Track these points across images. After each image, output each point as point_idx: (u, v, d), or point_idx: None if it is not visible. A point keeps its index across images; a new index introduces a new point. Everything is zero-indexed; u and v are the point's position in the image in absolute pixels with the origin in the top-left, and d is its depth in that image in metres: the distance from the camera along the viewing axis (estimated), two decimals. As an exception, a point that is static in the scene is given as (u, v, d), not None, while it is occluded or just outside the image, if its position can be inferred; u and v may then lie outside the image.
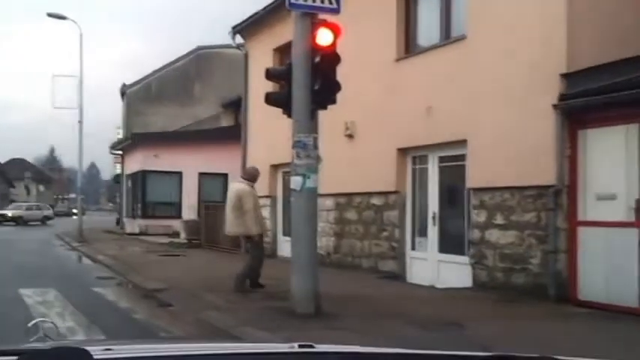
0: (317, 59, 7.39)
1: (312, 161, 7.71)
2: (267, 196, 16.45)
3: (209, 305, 8.73)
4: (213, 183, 26.48)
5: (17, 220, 43.89)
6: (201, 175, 26.60)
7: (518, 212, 9.47)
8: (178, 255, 17.27)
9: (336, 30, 7.49)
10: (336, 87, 7.51)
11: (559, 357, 1.81)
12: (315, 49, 7.46)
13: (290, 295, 7.86)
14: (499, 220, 9.75)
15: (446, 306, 8.83)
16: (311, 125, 7.70)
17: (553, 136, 8.91)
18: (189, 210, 26.05)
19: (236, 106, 30.10)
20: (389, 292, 10.14)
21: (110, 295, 10.68)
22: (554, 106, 8.87)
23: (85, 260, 17.82)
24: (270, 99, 8.07)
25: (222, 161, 25.89)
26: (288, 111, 7.91)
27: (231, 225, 10.21)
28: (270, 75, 8.16)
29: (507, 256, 9.59)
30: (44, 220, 46.84)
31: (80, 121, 25.76)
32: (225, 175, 26.58)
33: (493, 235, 9.83)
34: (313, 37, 7.46)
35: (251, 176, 10.55)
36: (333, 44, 7.45)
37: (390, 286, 10.87)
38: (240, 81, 29.73)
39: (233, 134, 26.58)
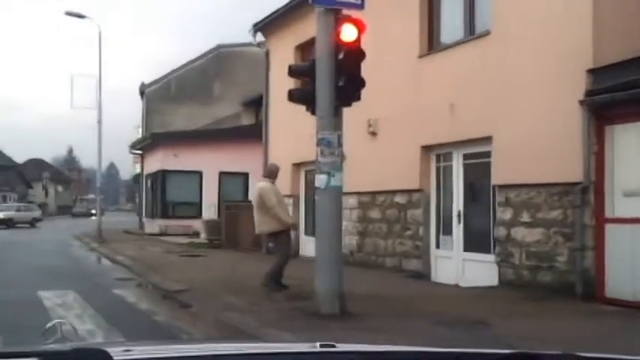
0: (341, 55, 7.58)
1: (336, 159, 7.90)
2: (289, 195, 16.67)
3: (230, 306, 8.86)
4: (234, 182, 26.83)
5: (7, 223, 41.00)
6: (222, 174, 26.91)
7: (544, 209, 9.60)
8: (199, 255, 17.55)
9: (360, 26, 7.67)
10: (361, 83, 7.69)
11: (583, 354, 1.85)
12: (339, 45, 7.64)
13: (314, 295, 8.02)
14: (525, 217, 9.88)
15: (472, 305, 8.97)
16: (335, 122, 7.89)
17: (579, 132, 9.03)
18: (210, 210, 26.41)
19: (257, 104, 30.43)
20: (413, 291, 10.30)
21: (130, 296, 10.79)
22: (581, 102, 8.99)
23: (104, 261, 18.12)
24: (294, 96, 8.27)
25: (242, 160, 26.19)
26: (311, 108, 8.11)
27: (258, 224, 10.46)
28: (292, 72, 8.36)
29: (534, 254, 9.71)
30: (33, 223, 44.49)
31: (99, 121, 26.20)
32: (245, 175, 26.93)
33: (519, 232, 9.96)
34: (337, 33, 7.65)
35: (271, 173, 10.77)
36: (358, 40, 7.63)
37: (414, 285, 11.05)
38: (260, 79, 30.13)
39: (254, 133, 26.86)
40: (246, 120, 30.84)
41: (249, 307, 8.72)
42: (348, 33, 7.62)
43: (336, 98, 7.77)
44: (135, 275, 13.75)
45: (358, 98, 7.84)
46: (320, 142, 7.94)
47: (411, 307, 8.64)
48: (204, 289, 10.58)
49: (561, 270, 9.31)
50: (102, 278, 13.62)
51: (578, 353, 1.84)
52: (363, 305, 8.27)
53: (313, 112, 8.16)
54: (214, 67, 32.45)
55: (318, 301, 7.88)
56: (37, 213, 48.87)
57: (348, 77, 7.55)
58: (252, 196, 10.88)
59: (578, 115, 9.05)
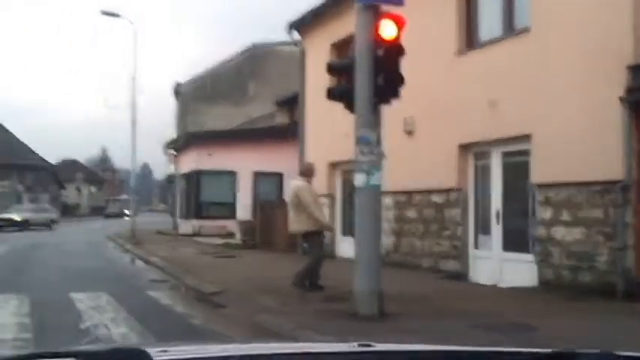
0: (380, 52, 7.72)
1: (375, 157, 8.05)
2: (326, 195, 16.86)
3: (266, 308, 8.96)
4: (269, 182, 27.08)
5: (23, 225, 39.04)
6: (256, 174, 27.19)
7: (585, 208, 9.64)
8: (233, 256, 17.76)
9: (399, 22, 7.81)
10: (400, 80, 7.83)
11: (620, 352, 1.87)
12: (378, 41, 7.79)
13: (352, 297, 8.13)
14: (565, 216, 9.92)
15: (512, 305, 9.03)
16: (374, 120, 8.05)
17: (620, 129, 9.06)
18: (244, 210, 26.69)
19: (291, 103, 30.69)
20: (452, 291, 10.39)
21: (164, 298, 10.74)
22: (621, 99, 9.03)
23: (138, 262, 18.19)
24: (332, 93, 8.45)
25: (277, 160, 26.41)
26: (350, 106, 8.28)
27: (292, 223, 10.65)
28: (331, 69, 8.54)
29: (574, 254, 9.75)
30: (50, 225, 42.49)
31: (133, 121, 26.73)
32: (280, 175, 27.16)
33: (559, 232, 10.00)
34: (376, 30, 7.79)
35: (307, 171, 10.96)
36: (397, 37, 7.78)
37: (452, 286, 11.13)
38: (295, 78, 30.35)
39: (288, 132, 27.13)
40: (280, 119, 31.13)
41: (285, 309, 8.83)
42: (387, 29, 7.76)
43: (374, 96, 7.92)
44: (169, 277, 13.80)
45: (397, 96, 7.99)
46: (359, 141, 8.09)
47: (450, 308, 8.73)
48: (239, 290, 10.68)
49: (602, 270, 9.34)
50: (136, 280, 13.64)
51: (616, 352, 1.86)
52: (402, 306, 8.38)
53: (352, 110, 8.33)
54: (249, 67, 32.83)
55: (357, 302, 7.98)
56: (54, 215, 47.42)
57: (387, 74, 7.69)
58: (289, 193, 10.99)
59: (618, 112, 9.09)
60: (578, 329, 7.13)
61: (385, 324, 7.55)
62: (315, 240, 10.56)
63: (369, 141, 8.04)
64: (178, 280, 12.97)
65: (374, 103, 7.99)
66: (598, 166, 9.41)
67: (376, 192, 8.16)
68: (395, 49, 7.76)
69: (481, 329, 7.22)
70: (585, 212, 9.63)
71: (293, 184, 10.91)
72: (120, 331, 7.77)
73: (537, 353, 1.94)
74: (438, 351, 2.08)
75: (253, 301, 9.67)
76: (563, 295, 9.34)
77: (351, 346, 1.92)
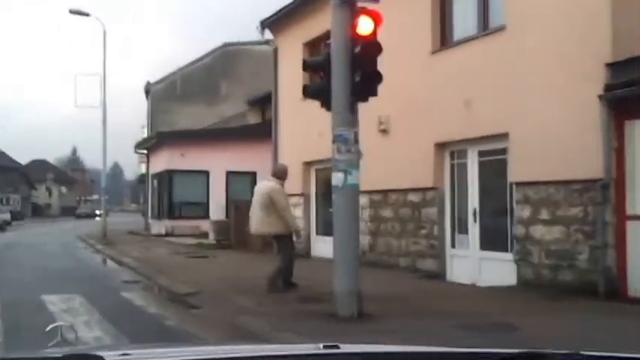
0: (357, 49, 7.44)
1: (353, 156, 7.78)
2: (300, 194, 16.58)
3: (242, 309, 8.67)
4: (242, 182, 26.67)
5: None
6: (229, 173, 26.80)
7: (564, 207, 9.47)
8: (207, 257, 17.42)
9: (376, 18, 7.53)
10: (378, 78, 7.56)
11: (588, 352, 1.84)
12: (355, 38, 7.50)
13: (332, 297, 7.85)
14: (544, 215, 9.74)
15: (492, 305, 8.83)
16: (352, 118, 7.77)
17: (599, 127, 8.90)
18: (217, 210, 26.30)
19: (263, 103, 30.35)
20: (431, 291, 10.17)
21: (137, 300, 10.44)
22: (600, 97, 8.86)
23: (110, 263, 17.80)
24: (308, 91, 8.16)
25: (250, 160, 26.07)
26: (327, 104, 7.99)
27: (259, 224, 10.27)
28: (307, 66, 8.24)
29: (553, 253, 9.58)
30: (2, 226, 41.21)
31: (104, 121, 26.18)
32: (253, 174, 26.76)
33: (538, 231, 9.82)
34: (353, 26, 7.51)
35: (280, 173, 10.68)
36: (374, 33, 7.50)
37: (431, 285, 10.92)
38: (267, 77, 30.04)
39: (261, 132, 26.77)
40: (253, 119, 30.78)
41: (262, 310, 8.57)
42: (364, 26, 7.49)
43: (352, 94, 7.65)
44: (142, 277, 13.48)
45: (375, 93, 7.72)
46: (336, 139, 7.82)
47: (429, 308, 8.50)
48: (214, 291, 10.39)
49: (582, 269, 9.17)
50: (109, 281, 13.30)
51: (583, 352, 1.84)
52: (380, 307, 8.13)
53: (328, 108, 8.05)
54: (220, 66, 32.36)
55: (336, 303, 7.73)
56: (6, 216, 46.27)
57: (364, 71, 7.42)
58: (257, 194, 10.43)
59: (598, 110, 8.93)
60: (560, 329, 6.94)
61: (364, 325, 7.31)
62: (286, 242, 10.32)
63: (347, 139, 7.76)
64: (151, 281, 12.66)
65: (351, 102, 7.72)
66: (577, 164, 9.24)
67: (354, 191, 7.88)
68: (372, 46, 7.48)
69: (461, 329, 7.00)
70: (564, 211, 9.46)
71: (265, 185, 10.55)
72: (93, 335, 7.46)
73: (507, 354, 1.91)
74: (405, 352, 2.04)
75: (228, 301, 9.41)
76: (543, 294, 9.15)
77: (317, 348, 1.88)
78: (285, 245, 10.29)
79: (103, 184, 27.76)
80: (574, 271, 9.29)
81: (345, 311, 7.61)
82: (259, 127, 28.39)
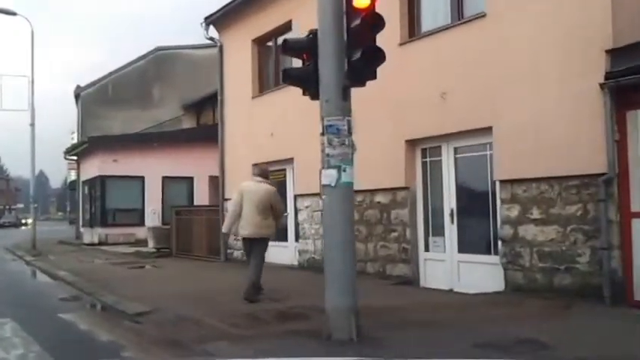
0: (356, 23, 6.01)
1: (347, 150, 6.34)
2: (249, 198, 14.99)
3: (212, 332, 7.01)
4: (178, 187, 24.86)
5: None
6: (165, 179, 24.86)
7: (558, 205, 8.31)
8: (150, 266, 15.55)
9: (375, -13, 6.12)
10: (381, 56, 6.14)
11: None
12: (350, 11, 6.07)
13: (325, 317, 6.33)
14: (536, 214, 8.57)
15: (499, 316, 7.49)
16: (344, 106, 6.34)
17: (599, 118, 7.78)
18: (153, 216, 24.34)
19: (198, 107, 28.54)
20: (416, 300, 8.80)
21: (81, 322, 8.39)
22: (602, 85, 7.75)
23: (44, 277, 15.09)
24: (290, 76, 6.63)
25: (186, 164, 24.34)
26: (312, 90, 6.53)
27: (256, 227, 9.32)
28: (288, 47, 6.69)
29: (548, 255, 8.41)
30: None
31: (32, 124, 23.75)
32: (190, 179, 24.98)
33: (529, 231, 8.64)
34: (348, -2, 6.08)
35: (267, 174, 9.94)
36: (373, 4, 6.09)
37: (411, 293, 9.57)
38: (202, 81, 28.25)
39: (198, 136, 25.02)
40: (187, 123, 28.90)
41: (238, 332, 6.93)
42: (361, -3, 6.06)
43: (346, 77, 6.22)
44: (82, 294, 11.27)
45: (374, 76, 6.29)
46: (327, 130, 6.35)
47: (431, 321, 7.13)
48: (172, 308, 8.58)
49: (583, 272, 8.02)
50: (44, 299, 11.03)
51: None
52: (375, 323, 6.72)
53: (313, 96, 6.59)
54: (153, 70, 30.20)
55: (330, 324, 6.22)
56: None
57: (365, 50, 5.97)
58: (254, 195, 9.40)
59: (597, 100, 7.81)
60: (600, 346, 5.79)
61: (368, 350, 5.83)
62: (266, 245, 9.70)
63: (339, 130, 6.31)
64: (93, 298, 10.58)
65: (344, 86, 6.28)
66: (573, 159, 8.11)
67: (349, 191, 6.42)
68: (374, 18, 6.04)
69: (484, 349, 5.67)
70: (559, 209, 8.30)
71: (263, 187, 9.47)
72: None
73: None
74: None
75: (194, 322, 7.63)
76: (544, 301, 7.93)
77: None
78: (265, 248, 9.66)
79: (31, 191, 25.18)
80: (573, 274, 8.13)
81: (341, 333, 6.12)
82: (196, 131, 26.60)
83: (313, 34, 6.55)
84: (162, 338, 7.20)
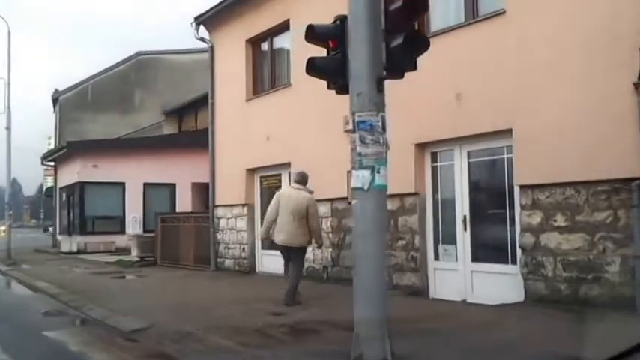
0: (397, 5, 5.34)
1: (381, 149, 5.69)
2: (242, 205, 14.24)
3: (221, 352, 6.25)
4: (160, 194, 23.96)
5: None
6: (147, 185, 23.95)
7: (585, 211, 7.75)
8: (136, 276, 14.65)
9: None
10: (425, 43, 5.48)
11: None
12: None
13: (355, 337, 5.52)
14: (560, 221, 8.00)
15: (535, 330, 6.76)
16: (379, 100, 5.70)
17: (632, 119, 7.26)
18: (134, 224, 23.41)
19: (180, 113, 27.69)
20: (440, 313, 8.11)
21: (72, 342, 7.34)
22: (636, 85, 7.23)
23: (22, 289, 13.82)
24: (315, 66, 5.90)
25: (168, 171, 23.53)
26: (339, 83, 5.87)
27: (292, 236, 9.22)
28: (314, 34, 5.98)
29: (573, 264, 7.84)
30: None
31: (8, 128, 22.70)
32: (172, 186, 24.12)
33: (552, 239, 8.06)
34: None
35: (305, 181, 9.65)
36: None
37: (427, 305, 8.90)
38: (183, 87, 27.44)
39: (180, 142, 24.21)
40: (168, 129, 28.02)
41: (250, 353, 6.13)
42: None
43: (383, 67, 5.57)
44: (67, 307, 10.21)
45: (414, 66, 5.66)
46: (358, 128, 5.71)
47: (465, 338, 6.46)
48: (170, 324, 7.77)
49: (613, 282, 7.46)
50: (25, 314, 9.90)
51: None
52: (406, 340, 6.05)
53: (340, 89, 5.94)
54: (134, 75, 29.26)
55: (361, 343, 5.44)
56: None
57: (407, 36, 5.32)
58: (291, 202, 9.27)
59: (629, 99, 7.29)
60: None
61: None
62: (304, 253, 9.66)
63: (373, 127, 5.68)
64: (80, 312, 9.62)
65: (379, 77, 5.63)
66: (602, 163, 7.56)
67: (382, 195, 5.76)
68: (415, 1, 5.39)
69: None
70: (586, 216, 7.74)
71: (302, 195, 9.34)
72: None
73: None
74: None
75: (197, 340, 6.85)
76: (575, 313, 7.30)
77: None
78: (303, 256, 9.65)
79: (7, 197, 24.04)
80: (602, 284, 7.56)
81: (375, 354, 5.40)
82: (179, 137, 25.76)
83: (341, 19, 5.89)
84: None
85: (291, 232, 9.13)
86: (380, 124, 5.66)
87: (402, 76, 5.67)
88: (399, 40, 5.31)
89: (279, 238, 9.26)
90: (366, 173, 5.63)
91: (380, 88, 5.65)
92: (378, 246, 5.65)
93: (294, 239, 9.18)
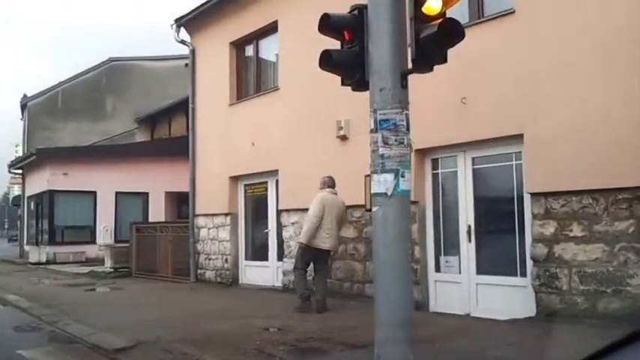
0: (424, -8, 4.73)
1: (405, 150, 5.05)
2: (225, 214, 13.47)
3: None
4: (133, 203, 23.00)
5: None
6: (119, 194, 22.97)
7: (605, 221, 7.23)
8: (110, 288, 13.74)
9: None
10: (460, 32, 4.87)
11: None
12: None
13: (376, 357, 4.93)
14: (576, 231, 7.46)
15: (563, 348, 6.21)
16: (403, 96, 5.07)
17: (654, 124, 6.79)
18: (105, 234, 22.41)
19: (152, 120, 26.76)
20: (451, 330, 7.48)
21: None
22: (659, 87, 6.76)
23: None
24: (331, 59, 5.26)
25: (141, 179, 22.61)
26: (358, 76, 5.22)
27: (336, 239, 9.41)
28: (328, 25, 5.32)
29: (591, 276, 7.30)
30: None
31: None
32: (145, 194, 23.19)
33: (568, 250, 7.52)
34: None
35: (334, 185, 9.61)
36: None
37: (430, 321, 8.22)
38: (156, 94, 26.53)
39: (153, 150, 23.33)
40: (141, 137, 27.06)
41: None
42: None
43: (411, 59, 4.94)
44: (42, 322, 9.29)
45: (444, 59, 5.04)
46: (380, 127, 5.06)
47: (488, 356, 5.87)
48: (158, 342, 7.01)
49: (635, 295, 6.94)
50: None
51: None
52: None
53: (358, 85, 5.29)
54: (106, 81, 28.22)
55: (386, 363, 4.89)
56: None
57: (442, 24, 4.71)
58: (334, 207, 9.33)
59: (651, 103, 6.82)
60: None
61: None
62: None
63: (397, 126, 5.04)
64: (56, 327, 8.72)
65: (404, 72, 5.01)
66: (624, 169, 7.05)
67: (405, 201, 5.12)
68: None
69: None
70: (606, 225, 7.22)
71: (340, 200, 9.50)
72: None
73: None
74: None
75: (190, 361, 6.18)
76: (598, 329, 6.77)
77: None
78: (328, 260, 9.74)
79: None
80: (623, 297, 7.03)
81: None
82: (151, 145, 24.84)
83: (358, 9, 5.26)
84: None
85: (336, 237, 9.29)
86: (404, 122, 5.03)
87: (430, 69, 5.05)
88: (431, 30, 4.69)
89: (327, 243, 9.16)
90: (390, 177, 4.98)
91: (404, 84, 5.02)
92: (402, 256, 5.01)
93: (336, 243, 9.42)
